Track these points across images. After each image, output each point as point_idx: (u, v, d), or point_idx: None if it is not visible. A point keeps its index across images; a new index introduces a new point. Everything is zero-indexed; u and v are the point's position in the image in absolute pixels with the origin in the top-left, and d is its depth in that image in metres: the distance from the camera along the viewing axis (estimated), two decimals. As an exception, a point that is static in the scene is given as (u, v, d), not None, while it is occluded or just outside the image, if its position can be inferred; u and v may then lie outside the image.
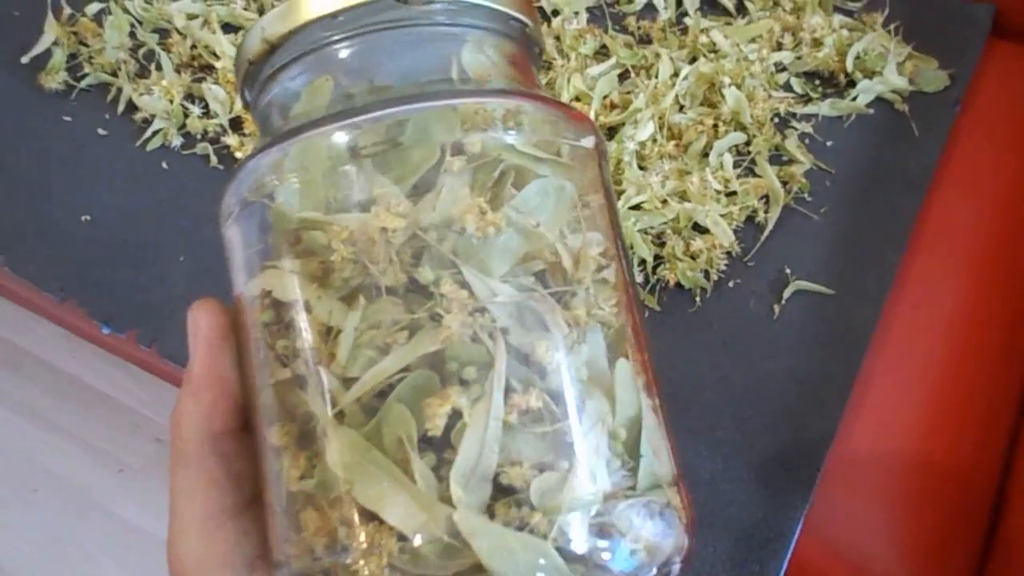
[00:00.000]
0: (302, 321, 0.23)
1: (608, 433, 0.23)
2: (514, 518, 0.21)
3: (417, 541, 0.20)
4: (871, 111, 0.71)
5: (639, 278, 0.61)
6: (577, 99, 0.71)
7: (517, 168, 0.24)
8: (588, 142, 0.26)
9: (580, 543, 0.21)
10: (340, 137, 0.23)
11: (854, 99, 0.71)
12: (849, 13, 0.77)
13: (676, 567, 0.23)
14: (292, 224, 0.24)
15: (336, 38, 0.25)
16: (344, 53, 0.25)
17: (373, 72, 0.25)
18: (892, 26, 0.74)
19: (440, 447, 0.21)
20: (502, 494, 0.21)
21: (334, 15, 0.25)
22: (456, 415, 0.21)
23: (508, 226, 0.23)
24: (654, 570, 0.22)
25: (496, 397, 0.21)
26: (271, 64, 0.26)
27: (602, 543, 0.21)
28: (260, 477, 0.25)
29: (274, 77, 0.27)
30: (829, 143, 0.70)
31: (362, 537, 0.21)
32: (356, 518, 0.21)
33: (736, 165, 0.67)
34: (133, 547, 1.06)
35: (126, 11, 0.78)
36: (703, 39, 0.74)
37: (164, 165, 0.72)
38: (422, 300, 0.22)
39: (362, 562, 0.21)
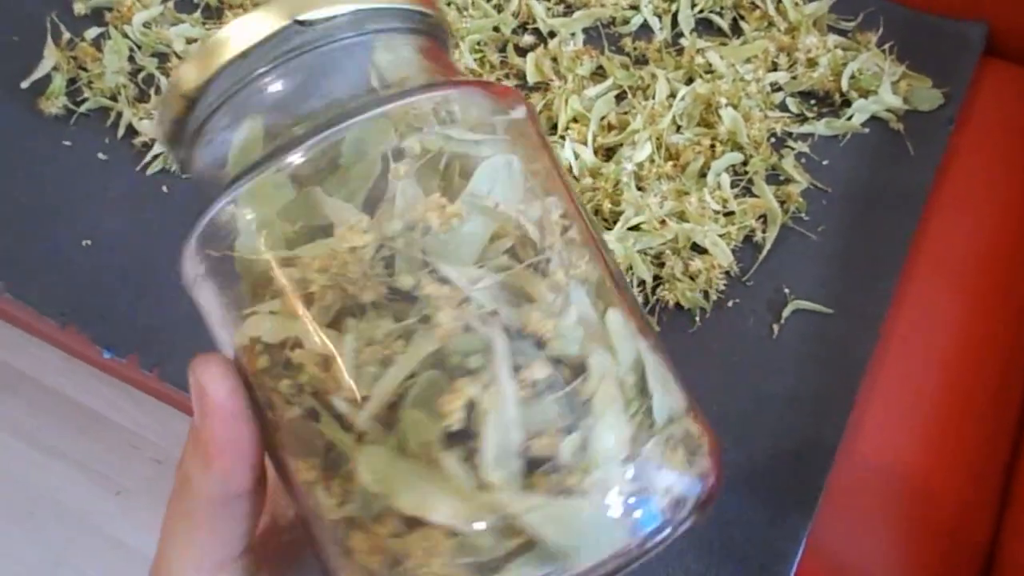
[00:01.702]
0: (298, 357, 0.23)
1: (617, 382, 0.23)
2: (554, 485, 0.21)
3: (469, 531, 0.21)
4: (866, 130, 0.72)
5: (639, 299, 0.62)
6: (575, 120, 0.71)
7: (460, 156, 0.24)
8: (519, 112, 0.26)
9: (618, 493, 0.22)
10: (282, 173, 0.23)
11: (849, 118, 0.72)
12: (843, 32, 0.78)
13: (709, 485, 0.24)
14: (260, 267, 0.24)
15: (252, 77, 0.25)
16: (264, 91, 0.25)
17: (297, 102, 0.25)
18: (886, 46, 0.75)
19: (465, 439, 0.21)
20: (536, 466, 0.21)
21: (244, 54, 0.25)
22: (471, 405, 0.21)
23: (469, 213, 0.23)
24: (693, 500, 0.23)
25: (504, 377, 0.22)
26: (195, 119, 0.26)
27: (640, 484, 0.22)
28: (300, 517, 0.25)
29: (200, 131, 0.26)
30: (825, 162, 0.70)
31: (416, 543, 0.21)
32: (404, 528, 0.21)
33: (733, 185, 0.67)
34: (131, 570, 1.05)
35: (125, 36, 0.78)
36: (699, 59, 0.74)
37: (164, 189, 0.72)
38: (407, 306, 0.22)
39: (424, 568, 0.21)
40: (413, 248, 0.22)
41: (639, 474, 0.22)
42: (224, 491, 0.25)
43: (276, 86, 0.25)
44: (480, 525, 0.21)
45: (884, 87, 0.72)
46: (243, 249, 0.24)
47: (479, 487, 0.21)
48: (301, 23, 0.25)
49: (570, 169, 0.68)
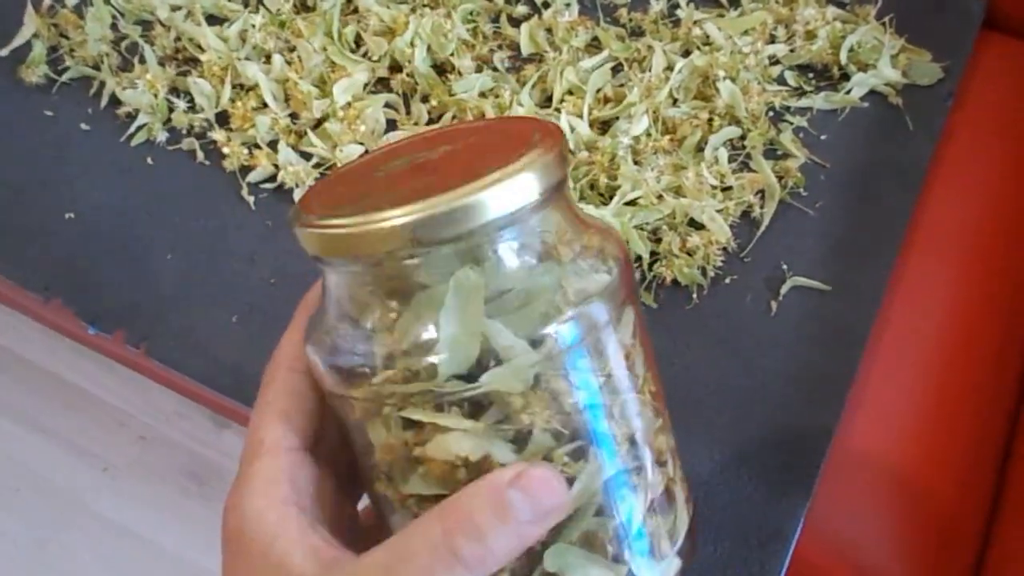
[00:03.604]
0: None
1: (681, 484, 0.32)
2: (659, 550, 0.30)
3: None
4: (865, 104, 0.71)
5: (636, 275, 0.61)
6: (570, 92, 0.70)
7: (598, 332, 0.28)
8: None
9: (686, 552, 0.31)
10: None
11: (848, 92, 0.71)
12: (842, 4, 0.76)
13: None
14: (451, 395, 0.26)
15: (479, 239, 0.26)
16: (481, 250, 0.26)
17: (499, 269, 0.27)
18: (885, 19, 0.74)
19: (621, 535, 0.28)
20: (648, 539, 0.29)
21: (479, 228, 0.25)
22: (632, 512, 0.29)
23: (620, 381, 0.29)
24: None
25: (648, 491, 0.29)
26: (399, 256, 0.26)
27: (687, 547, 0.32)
28: None
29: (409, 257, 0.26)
30: (823, 137, 0.69)
31: None
32: None
33: (731, 159, 0.66)
34: (117, 546, 1.05)
35: (108, 2, 0.76)
36: (696, 31, 0.73)
37: (149, 161, 0.71)
38: (577, 430, 0.27)
39: None
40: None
41: (688, 537, 0.32)
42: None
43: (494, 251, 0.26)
44: None
45: (883, 60, 0.71)
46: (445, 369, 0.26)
47: (617, 560, 0.28)
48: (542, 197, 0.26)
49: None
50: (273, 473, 0.27)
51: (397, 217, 0.25)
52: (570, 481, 0.26)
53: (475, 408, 0.26)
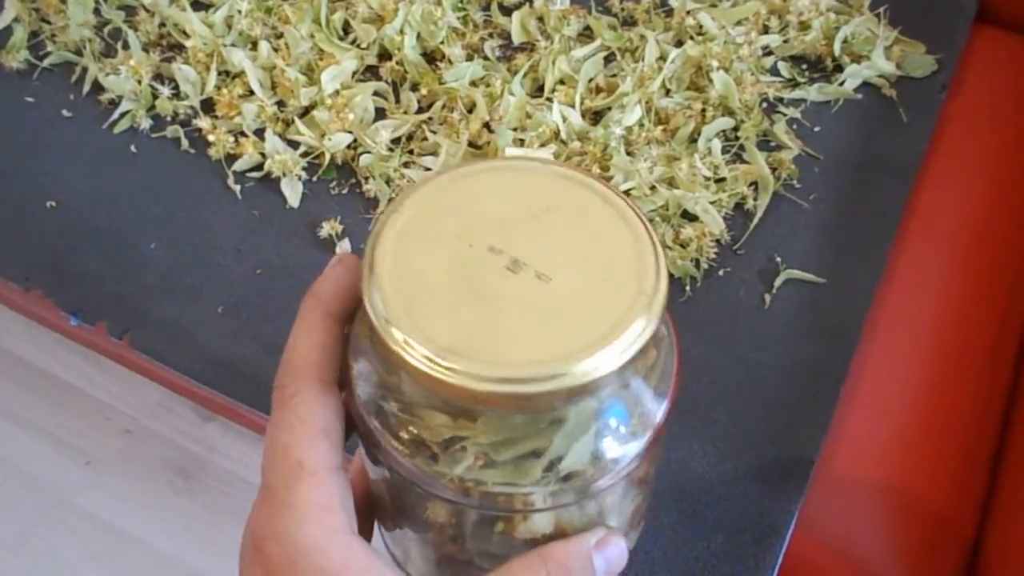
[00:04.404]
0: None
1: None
2: None
3: None
4: (859, 96, 0.70)
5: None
6: (562, 82, 0.69)
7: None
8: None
9: None
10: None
11: (842, 84, 0.70)
12: (835, -4, 0.76)
13: None
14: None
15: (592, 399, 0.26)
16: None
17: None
18: (879, 10, 0.73)
19: None
20: None
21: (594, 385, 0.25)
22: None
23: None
24: None
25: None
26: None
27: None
28: None
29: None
30: (817, 128, 0.69)
31: None
32: None
33: (724, 151, 0.66)
34: (101, 541, 1.03)
35: (90, -13, 0.75)
36: (689, 21, 0.72)
37: (133, 148, 0.69)
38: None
39: None
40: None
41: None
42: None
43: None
44: None
45: (877, 52, 0.71)
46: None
47: None
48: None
49: (558, 133, 0.66)
50: (325, 499, 0.25)
51: (538, 382, 0.24)
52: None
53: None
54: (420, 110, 0.69)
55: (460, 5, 0.74)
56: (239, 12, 0.72)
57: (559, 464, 0.26)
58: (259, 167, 0.67)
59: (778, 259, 0.62)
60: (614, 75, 0.70)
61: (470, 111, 0.67)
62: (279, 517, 0.25)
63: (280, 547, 0.25)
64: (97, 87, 0.71)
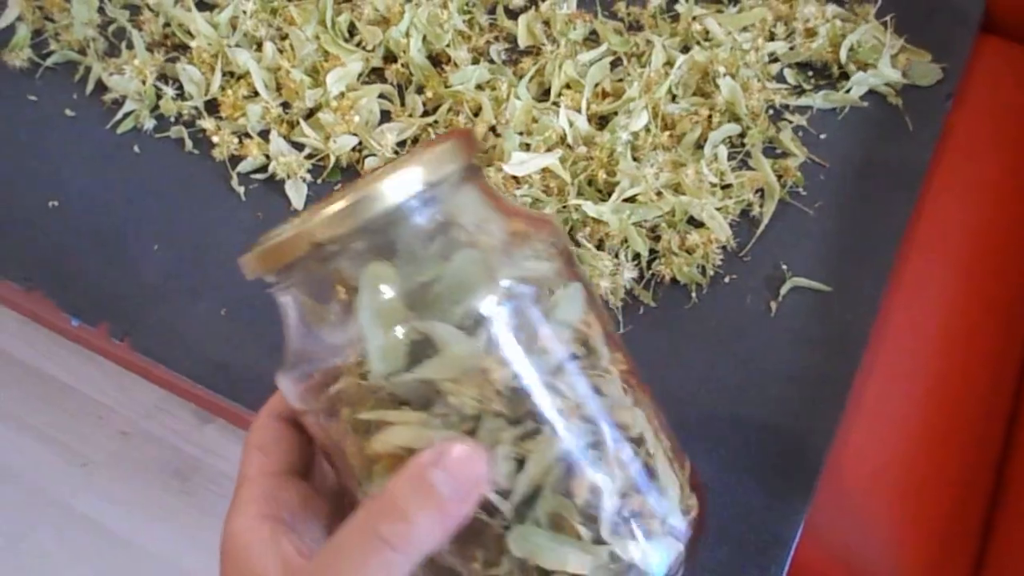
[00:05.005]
0: None
1: (667, 459, 0.31)
2: (646, 529, 0.29)
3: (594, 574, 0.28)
4: (865, 104, 0.70)
5: (634, 273, 0.59)
6: (568, 86, 0.69)
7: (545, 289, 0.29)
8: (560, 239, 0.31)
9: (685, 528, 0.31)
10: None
11: (848, 91, 0.70)
12: (841, 3, 0.76)
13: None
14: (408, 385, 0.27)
15: (385, 231, 0.27)
16: (398, 239, 0.27)
17: (413, 252, 0.28)
18: (885, 18, 0.73)
19: (589, 510, 0.28)
20: (631, 520, 0.29)
21: (384, 217, 0.27)
22: (593, 486, 0.28)
23: (561, 339, 0.29)
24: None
25: (614, 466, 0.29)
26: (319, 257, 0.28)
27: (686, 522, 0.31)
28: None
29: (323, 261, 0.28)
30: (823, 136, 0.69)
31: None
32: None
33: (731, 157, 0.65)
34: (95, 544, 1.02)
35: (94, -14, 0.74)
36: (696, 27, 0.72)
37: (136, 149, 0.69)
38: (525, 413, 0.27)
39: None
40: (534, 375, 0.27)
41: (685, 517, 0.31)
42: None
43: (401, 237, 0.28)
44: (602, 570, 0.28)
45: (884, 60, 0.71)
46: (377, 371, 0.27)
47: (597, 542, 0.28)
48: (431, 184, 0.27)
49: (564, 137, 0.65)
50: (249, 495, 0.30)
51: (300, 224, 0.27)
52: (521, 462, 0.27)
53: (424, 402, 0.27)
54: (426, 113, 0.69)
55: (466, 8, 0.74)
56: (244, 13, 0.72)
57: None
58: (263, 168, 0.67)
59: (784, 267, 0.61)
60: (620, 80, 0.70)
61: (476, 115, 0.67)
62: (226, 516, 0.30)
63: (223, 538, 0.30)
64: (101, 87, 0.71)
